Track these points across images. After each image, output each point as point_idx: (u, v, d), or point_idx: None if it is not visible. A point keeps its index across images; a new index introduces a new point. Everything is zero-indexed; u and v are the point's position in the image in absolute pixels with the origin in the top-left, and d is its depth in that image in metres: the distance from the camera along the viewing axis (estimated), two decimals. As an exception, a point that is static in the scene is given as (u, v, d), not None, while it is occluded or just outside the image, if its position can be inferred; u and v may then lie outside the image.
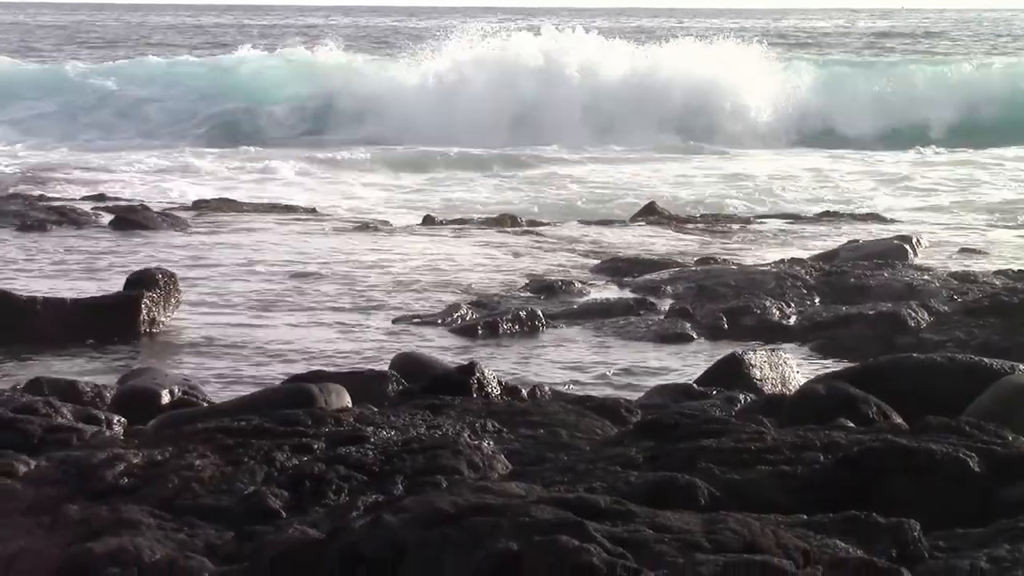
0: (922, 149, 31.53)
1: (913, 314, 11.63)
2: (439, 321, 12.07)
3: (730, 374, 9.35)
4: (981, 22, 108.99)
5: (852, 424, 6.69)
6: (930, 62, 45.08)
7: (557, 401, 8.03)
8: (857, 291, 12.88)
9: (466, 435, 6.66)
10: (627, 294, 13.32)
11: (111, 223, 17.95)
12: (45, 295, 11.91)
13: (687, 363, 10.73)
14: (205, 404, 8.34)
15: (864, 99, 36.57)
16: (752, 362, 9.46)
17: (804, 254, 15.68)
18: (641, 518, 4.93)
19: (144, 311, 11.45)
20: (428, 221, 19.23)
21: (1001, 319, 11.32)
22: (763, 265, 14.32)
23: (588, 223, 19.34)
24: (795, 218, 20.19)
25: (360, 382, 8.37)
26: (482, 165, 28.07)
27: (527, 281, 13.94)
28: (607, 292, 13.58)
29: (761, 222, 19.56)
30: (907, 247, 15.57)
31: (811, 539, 4.90)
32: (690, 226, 18.93)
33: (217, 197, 21.32)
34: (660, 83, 36.06)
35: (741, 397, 8.52)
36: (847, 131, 34.43)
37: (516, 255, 16.15)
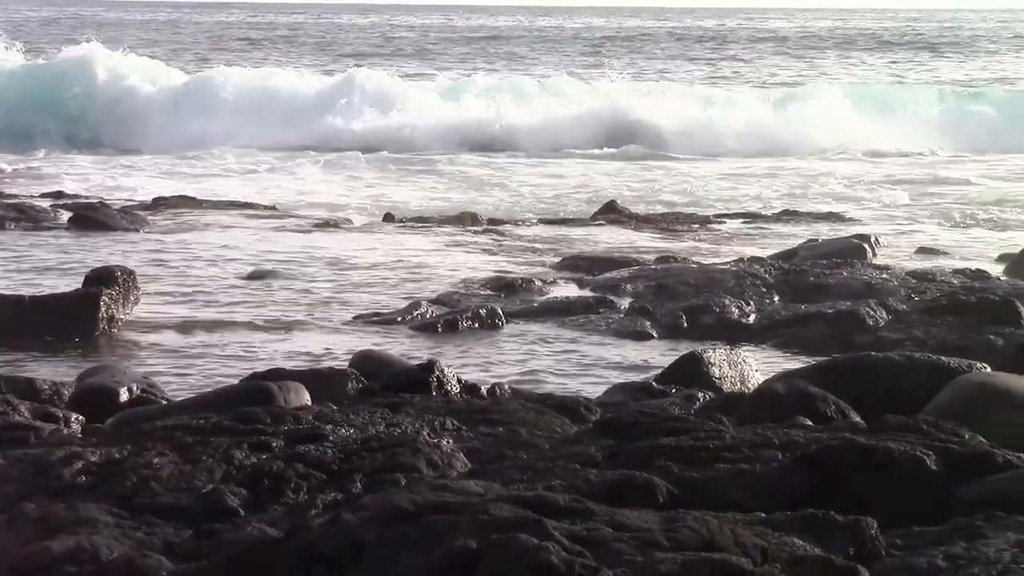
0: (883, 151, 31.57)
1: (871, 313, 11.68)
2: (399, 319, 12.06)
3: (689, 372, 9.36)
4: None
5: (810, 422, 6.72)
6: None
7: (516, 399, 8.03)
8: (816, 290, 12.92)
9: (425, 433, 6.66)
10: (587, 292, 13.32)
11: (70, 220, 17.86)
12: (3, 292, 11.84)
13: (646, 361, 10.74)
14: (163, 402, 8.31)
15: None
16: (711, 360, 9.48)
17: (763, 253, 15.73)
18: (600, 516, 4.94)
19: (103, 308, 11.39)
20: (388, 219, 19.22)
21: (959, 318, 11.37)
22: (722, 264, 14.36)
23: (549, 222, 19.36)
24: (754, 217, 20.26)
25: (319, 380, 8.35)
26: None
27: (487, 279, 13.94)
28: (567, 290, 13.58)
29: (720, 221, 19.62)
30: (866, 246, 15.63)
31: (769, 537, 4.91)
32: (650, 225, 18.96)
33: (177, 194, 21.22)
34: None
35: (700, 395, 8.54)
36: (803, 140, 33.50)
37: (477, 253, 16.16)
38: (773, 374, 9.36)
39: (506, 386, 8.85)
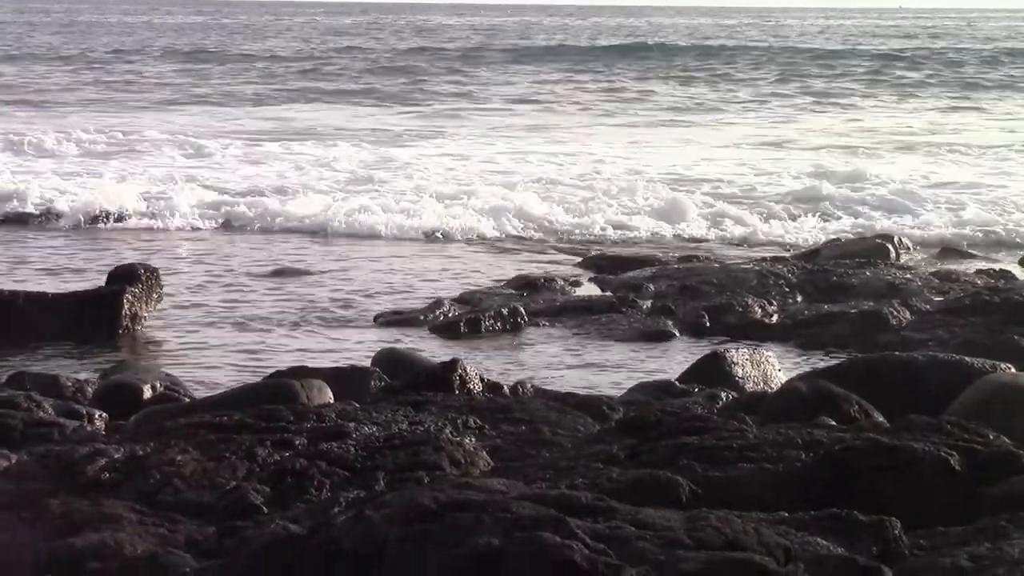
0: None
1: (895, 312, 11.64)
2: (422, 318, 12.06)
3: (712, 372, 9.35)
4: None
5: (834, 422, 6.70)
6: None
7: (539, 398, 8.03)
8: (839, 289, 12.89)
9: (448, 431, 6.66)
10: (609, 292, 13.30)
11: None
12: (27, 290, 11.87)
13: (669, 360, 10.73)
14: (187, 399, 8.33)
15: None
16: (734, 360, 9.47)
17: (786, 252, 15.69)
18: (623, 515, 4.93)
19: (126, 306, 11.41)
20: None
21: (982, 318, 11.33)
22: (745, 263, 14.33)
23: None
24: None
25: (342, 378, 8.36)
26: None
27: (510, 278, 13.93)
28: (589, 289, 13.57)
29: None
30: (889, 246, 15.59)
31: (792, 537, 4.90)
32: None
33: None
34: None
35: (723, 395, 8.53)
36: None
37: (498, 252, 16.16)
38: (796, 373, 9.34)
39: (528, 385, 8.86)
